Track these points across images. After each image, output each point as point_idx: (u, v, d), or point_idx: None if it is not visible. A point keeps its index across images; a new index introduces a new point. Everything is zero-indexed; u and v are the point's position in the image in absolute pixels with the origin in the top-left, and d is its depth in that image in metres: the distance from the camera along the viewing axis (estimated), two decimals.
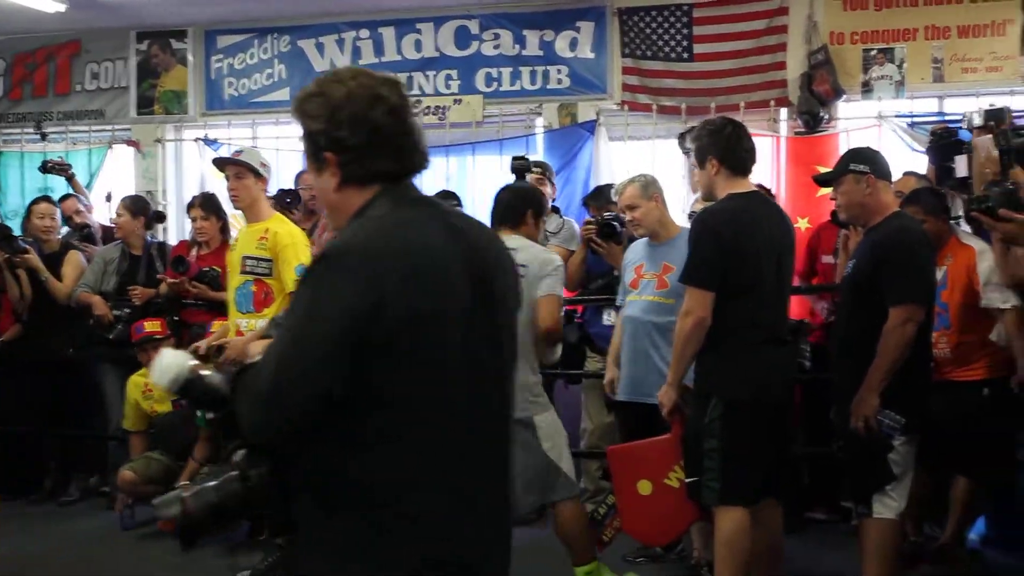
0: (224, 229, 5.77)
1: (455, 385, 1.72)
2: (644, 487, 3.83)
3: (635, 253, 4.49)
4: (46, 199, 6.32)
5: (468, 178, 7.07)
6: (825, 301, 5.02)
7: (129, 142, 7.80)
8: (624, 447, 4.08)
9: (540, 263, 3.87)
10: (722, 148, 3.65)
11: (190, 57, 7.73)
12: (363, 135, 1.79)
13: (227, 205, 5.40)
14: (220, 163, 4.76)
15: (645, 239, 4.45)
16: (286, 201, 5.77)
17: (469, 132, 7.13)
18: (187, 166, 7.85)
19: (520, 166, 5.40)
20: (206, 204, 5.72)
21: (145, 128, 7.79)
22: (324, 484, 1.69)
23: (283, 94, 7.50)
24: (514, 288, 1.94)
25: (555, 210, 5.54)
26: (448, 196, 5.58)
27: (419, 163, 1.86)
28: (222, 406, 1.84)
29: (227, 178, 4.55)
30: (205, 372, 1.88)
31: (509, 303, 1.89)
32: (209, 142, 7.51)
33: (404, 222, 1.75)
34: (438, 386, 1.70)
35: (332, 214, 1.86)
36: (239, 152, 4.70)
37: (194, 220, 5.72)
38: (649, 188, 4.40)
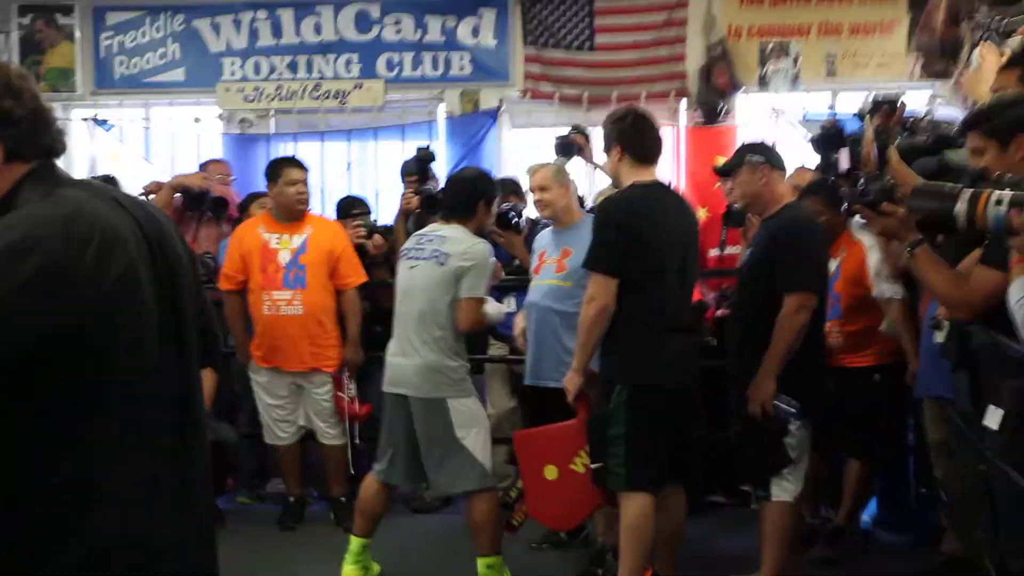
0: None
1: (147, 375, 1.66)
2: (550, 472, 3.84)
3: (540, 241, 4.54)
4: None
5: (369, 163, 7.03)
6: (713, 291, 5.13)
7: None
8: (530, 432, 4.11)
9: (459, 256, 3.91)
10: (626, 137, 3.67)
11: (77, 33, 7.43)
12: (30, 104, 1.70)
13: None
14: None
15: (550, 228, 4.51)
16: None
17: (370, 117, 7.09)
18: (76, 148, 7.48)
19: (426, 155, 5.38)
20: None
21: None
22: (8, 479, 1.58)
23: (177, 74, 7.30)
24: (187, 260, 1.87)
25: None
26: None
27: (63, 147, 1.78)
28: None
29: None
30: None
31: (186, 277, 1.82)
32: (99, 122, 7.25)
33: (79, 200, 1.65)
34: (132, 372, 1.64)
35: None
36: None
37: None
38: (562, 174, 4.49)
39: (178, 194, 5.60)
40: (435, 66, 7.12)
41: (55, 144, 1.74)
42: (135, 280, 1.64)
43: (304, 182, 4.96)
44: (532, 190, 4.55)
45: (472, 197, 4.04)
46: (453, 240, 3.94)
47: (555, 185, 4.41)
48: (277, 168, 5.02)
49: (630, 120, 3.70)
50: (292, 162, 5.08)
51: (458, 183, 4.20)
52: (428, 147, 5.55)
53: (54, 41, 7.46)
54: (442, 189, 4.81)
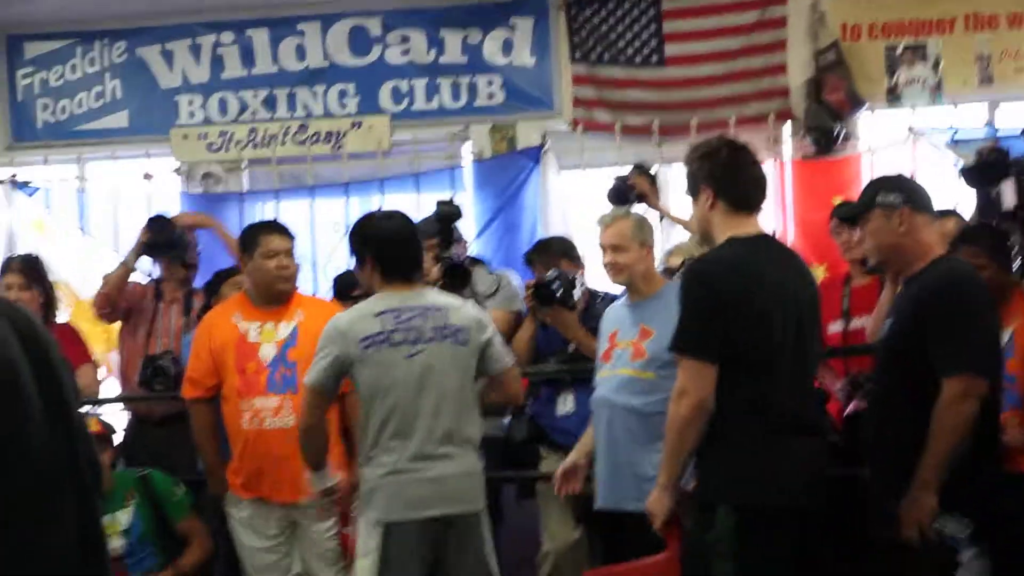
0: (48, 304, 5.72)
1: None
2: None
3: (610, 319, 4.59)
4: None
5: None
6: (840, 381, 5.11)
7: None
8: (606, 571, 4.09)
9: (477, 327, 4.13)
10: (719, 177, 3.69)
11: None
12: None
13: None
14: None
15: (623, 300, 4.56)
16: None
17: (374, 165, 7.19)
18: None
19: (448, 212, 5.47)
20: (27, 270, 5.69)
21: None
22: None
23: (119, 119, 7.52)
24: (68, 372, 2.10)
25: (478, 262, 5.64)
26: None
27: None
28: None
29: None
30: None
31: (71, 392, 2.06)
32: (19, 185, 7.40)
33: None
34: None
35: None
36: None
37: (8, 290, 5.62)
38: (644, 229, 4.57)
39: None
40: (456, 95, 7.25)
41: None
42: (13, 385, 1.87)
43: (289, 253, 5.02)
44: (603, 248, 4.61)
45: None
46: (452, 310, 4.12)
47: (634, 244, 4.48)
48: (252, 236, 5.07)
49: (724, 155, 3.72)
50: (271, 227, 5.15)
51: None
52: (451, 200, 5.63)
53: None
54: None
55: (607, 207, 5.50)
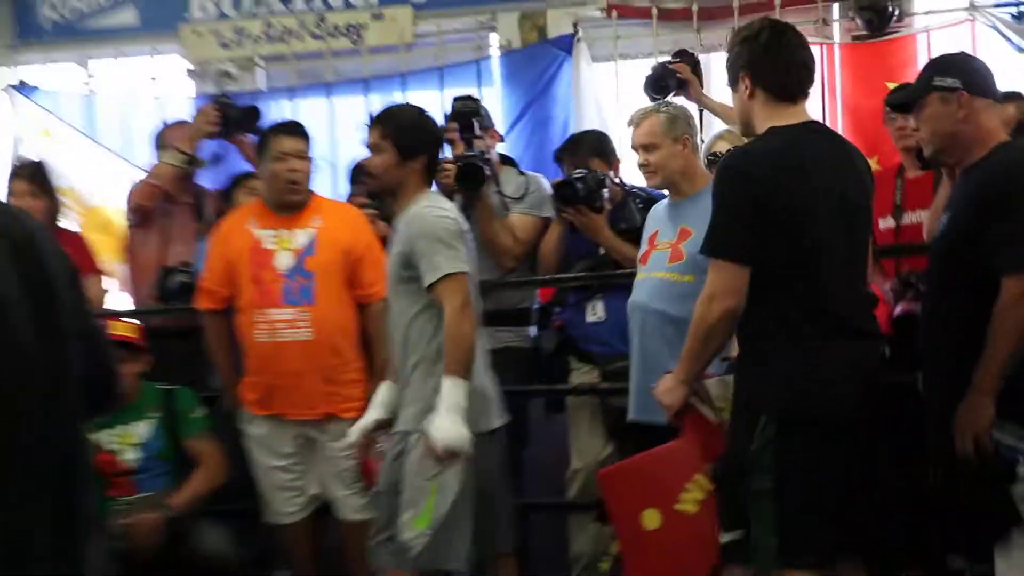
0: (53, 212, 5.67)
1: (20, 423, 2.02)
2: (650, 519, 3.82)
3: (652, 219, 4.63)
4: None
5: None
6: (891, 281, 5.02)
7: None
8: (619, 466, 4.13)
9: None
10: (759, 62, 3.63)
11: None
12: None
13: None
14: None
15: (666, 200, 4.58)
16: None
17: (396, 59, 7.17)
18: None
19: (466, 109, 5.35)
20: (35, 177, 5.66)
21: None
22: None
23: (127, 16, 7.52)
24: (66, 272, 2.19)
25: (508, 162, 5.57)
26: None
27: None
28: None
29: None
30: None
31: (63, 293, 2.15)
32: (23, 88, 7.41)
33: None
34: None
35: None
36: None
37: (15, 197, 5.57)
38: (678, 124, 4.55)
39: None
40: None
41: None
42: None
43: (302, 154, 4.98)
44: (635, 149, 4.60)
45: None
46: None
47: (666, 141, 4.47)
48: (264, 138, 5.09)
49: (764, 38, 3.65)
50: (282, 128, 5.12)
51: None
52: (471, 97, 5.55)
53: None
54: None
55: (643, 100, 5.42)
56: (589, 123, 6.52)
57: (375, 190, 4.97)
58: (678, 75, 5.57)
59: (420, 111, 4.41)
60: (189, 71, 7.44)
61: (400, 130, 4.23)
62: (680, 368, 3.70)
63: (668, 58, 5.77)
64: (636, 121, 4.63)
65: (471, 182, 5.05)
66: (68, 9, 7.56)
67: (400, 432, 4.20)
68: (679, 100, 5.40)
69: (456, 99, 5.45)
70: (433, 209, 4.19)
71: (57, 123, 7.32)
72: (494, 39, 7.19)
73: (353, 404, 4.88)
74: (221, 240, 5.07)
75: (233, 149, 6.00)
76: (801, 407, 3.49)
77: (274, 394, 4.91)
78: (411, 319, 4.16)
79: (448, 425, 3.91)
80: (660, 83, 5.55)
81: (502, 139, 5.68)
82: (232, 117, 5.76)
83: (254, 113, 5.82)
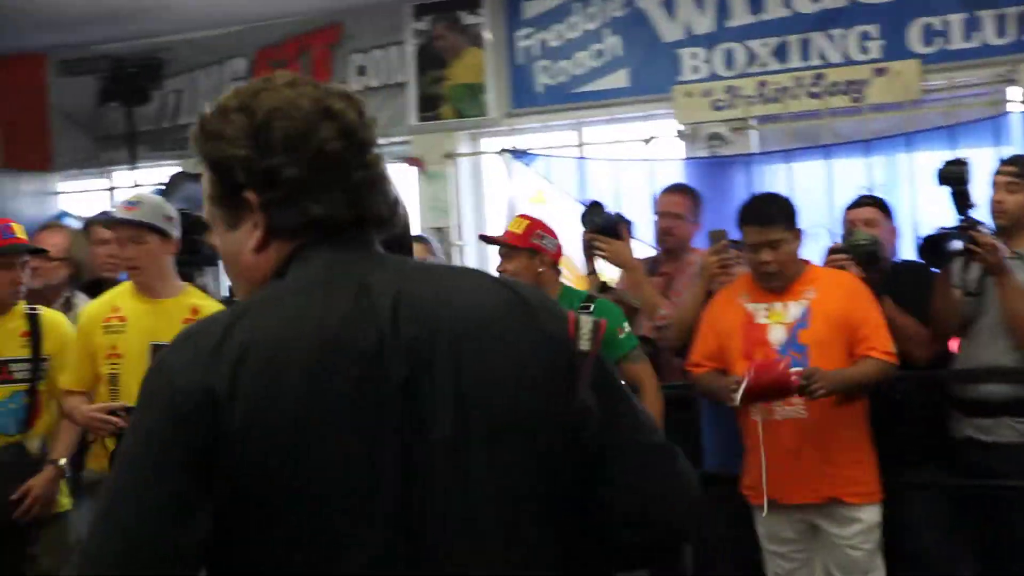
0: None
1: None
2: None
3: None
4: None
5: (898, 187, 6.93)
6: None
7: (409, 160, 8.30)
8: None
9: None
10: None
11: (487, 35, 8.11)
12: (303, 163, 1.83)
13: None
14: (109, 224, 5.28)
15: None
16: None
17: (901, 117, 7.08)
18: (489, 188, 8.27)
19: (954, 174, 5.10)
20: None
21: (430, 139, 8.27)
22: None
23: (619, 79, 7.77)
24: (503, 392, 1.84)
25: None
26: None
27: (378, 211, 1.89)
28: None
29: (118, 243, 5.04)
30: None
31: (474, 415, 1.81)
32: (518, 154, 7.84)
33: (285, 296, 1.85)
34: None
35: (240, 284, 1.96)
36: (133, 205, 5.05)
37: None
38: None
39: None
40: (1001, 30, 6.96)
41: (347, 212, 1.87)
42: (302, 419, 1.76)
43: (769, 245, 4.93)
44: None
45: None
46: None
47: None
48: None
49: None
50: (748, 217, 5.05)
51: None
52: (962, 160, 5.11)
53: (458, 49, 8.22)
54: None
55: None
56: None
57: None
58: None
59: None
60: (680, 133, 7.58)
61: None
62: None
63: None
64: None
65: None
66: (563, 74, 7.91)
67: None
68: None
69: (947, 163, 5.13)
70: None
71: (549, 187, 7.71)
72: (1013, 93, 6.90)
73: (857, 488, 4.81)
74: (712, 314, 5.12)
75: None
76: None
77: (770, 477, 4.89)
78: None
79: None
80: None
81: None
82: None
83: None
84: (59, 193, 9.85)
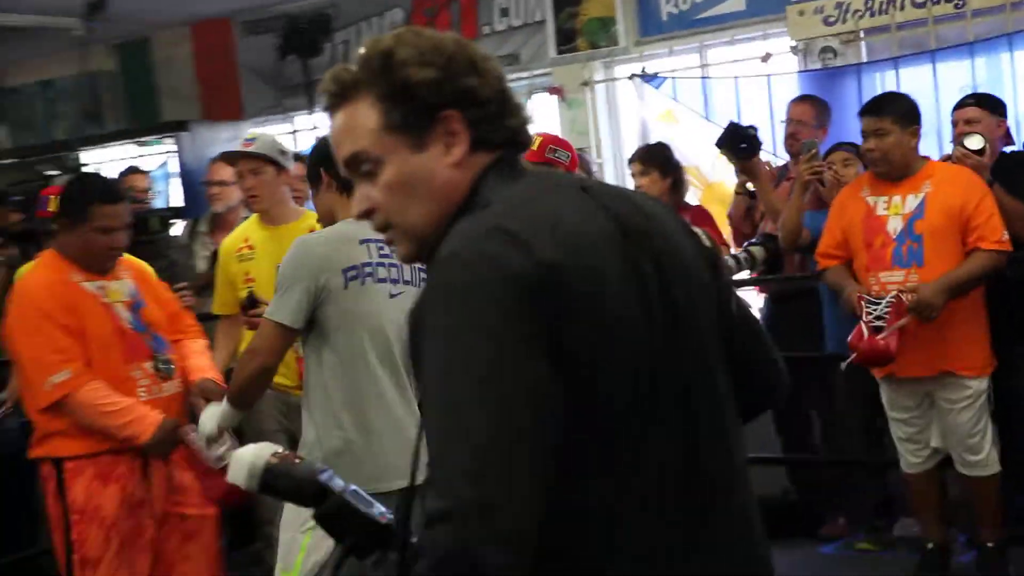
0: (676, 186, 6.50)
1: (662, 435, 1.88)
2: None
3: None
4: None
5: (1002, 86, 6.92)
6: None
7: (551, 89, 8.83)
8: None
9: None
10: None
11: None
12: (492, 83, 1.94)
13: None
14: (228, 158, 5.57)
15: None
16: (741, 147, 6.03)
17: (1002, 20, 7.11)
18: (623, 111, 8.74)
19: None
20: (645, 157, 6.53)
21: (568, 70, 8.76)
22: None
23: (735, 3, 8.11)
24: (700, 263, 2.02)
25: None
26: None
27: (529, 139, 2.04)
28: (315, 501, 2.03)
29: (239, 176, 5.35)
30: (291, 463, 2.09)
31: (698, 289, 1.98)
32: (648, 78, 8.27)
33: (556, 207, 1.87)
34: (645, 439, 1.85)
35: (424, 206, 1.93)
36: (250, 141, 5.35)
37: (633, 176, 6.55)
38: None
39: None
40: None
41: (521, 134, 2.01)
42: (599, 298, 1.82)
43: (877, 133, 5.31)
44: None
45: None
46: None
47: None
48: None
49: None
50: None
51: None
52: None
53: None
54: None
55: None
56: None
57: None
58: None
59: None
60: (793, 48, 7.83)
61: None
62: None
63: None
64: None
65: None
66: (686, 2, 8.30)
67: None
68: None
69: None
70: None
71: (676, 106, 8.12)
72: None
73: (969, 362, 5.14)
74: (838, 208, 5.41)
75: None
76: None
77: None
78: None
79: None
80: None
81: None
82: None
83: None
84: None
